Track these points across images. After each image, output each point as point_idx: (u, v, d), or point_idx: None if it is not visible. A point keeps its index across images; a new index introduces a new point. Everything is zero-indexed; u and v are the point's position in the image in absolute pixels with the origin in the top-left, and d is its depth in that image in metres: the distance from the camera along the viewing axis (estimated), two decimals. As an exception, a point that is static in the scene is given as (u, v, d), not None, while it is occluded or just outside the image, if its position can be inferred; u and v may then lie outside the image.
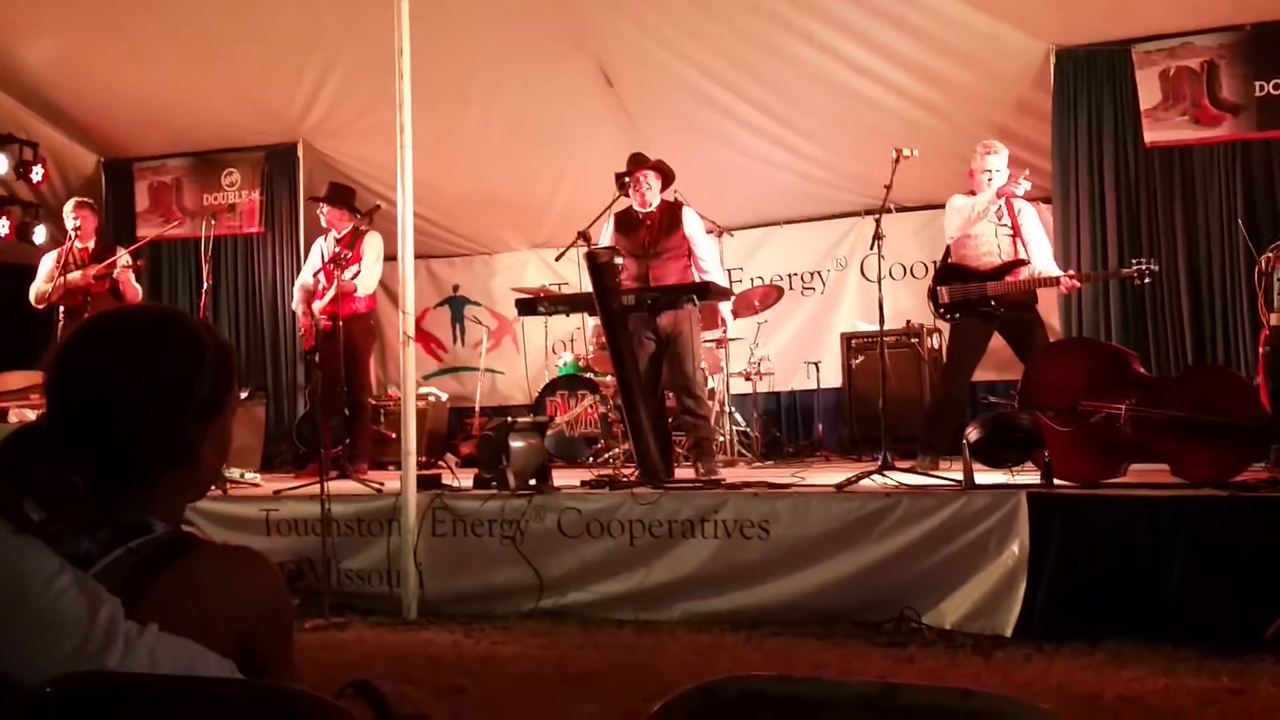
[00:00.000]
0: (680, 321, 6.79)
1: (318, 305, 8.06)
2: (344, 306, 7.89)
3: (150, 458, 1.55)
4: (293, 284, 9.82)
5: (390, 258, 7.69)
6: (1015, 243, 6.94)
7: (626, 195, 7.13)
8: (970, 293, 6.89)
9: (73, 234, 8.45)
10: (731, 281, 10.27)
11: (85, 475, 1.47)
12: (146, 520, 1.51)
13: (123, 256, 8.40)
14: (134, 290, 8.47)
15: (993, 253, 6.96)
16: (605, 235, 7.21)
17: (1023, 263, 6.88)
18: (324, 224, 8.39)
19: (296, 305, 8.55)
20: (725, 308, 7.94)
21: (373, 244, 8.24)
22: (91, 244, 8.52)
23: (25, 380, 7.95)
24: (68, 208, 8.61)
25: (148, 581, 1.44)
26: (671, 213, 7.10)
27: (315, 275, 8.26)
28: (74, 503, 1.44)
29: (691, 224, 7.11)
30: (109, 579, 1.42)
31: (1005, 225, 6.97)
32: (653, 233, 7.04)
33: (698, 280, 6.96)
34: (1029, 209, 7.05)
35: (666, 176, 7.19)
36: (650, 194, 7.08)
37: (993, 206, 6.82)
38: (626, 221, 7.15)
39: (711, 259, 7.22)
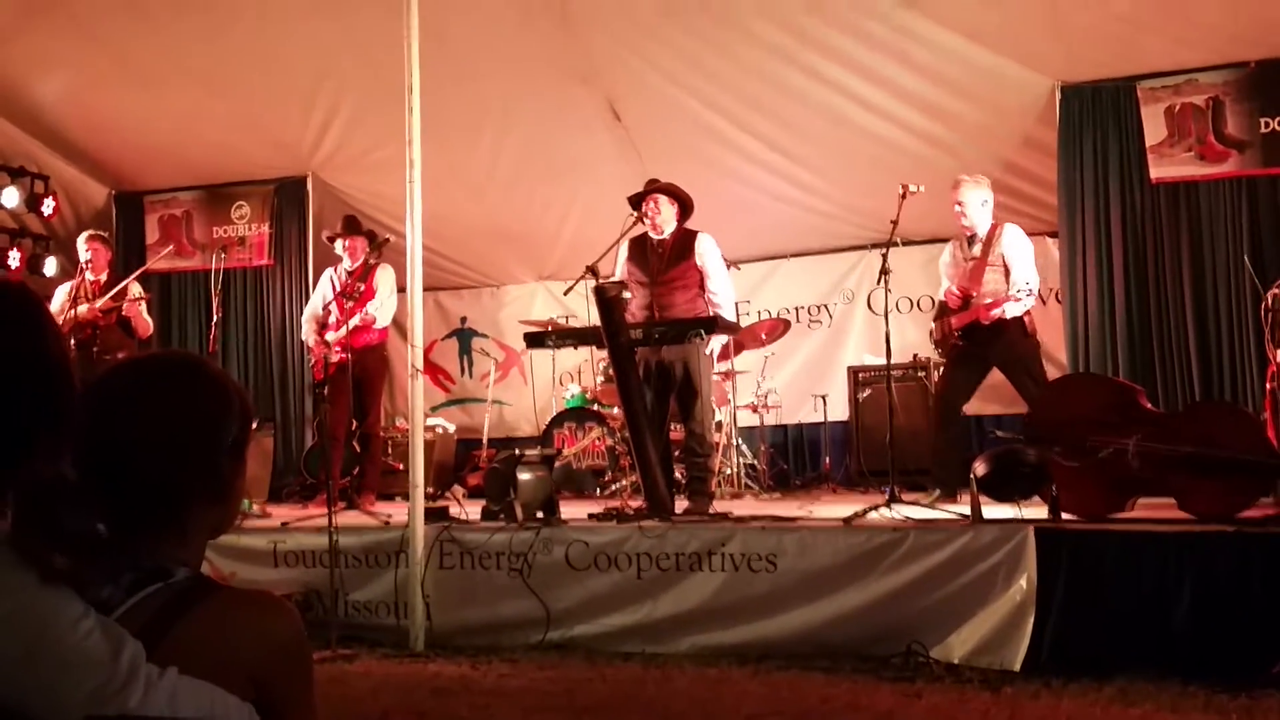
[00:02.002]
0: (688, 356, 6.69)
1: (331, 336, 8.07)
2: (358, 338, 7.91)
3: (189, 497, 1.60)
4: (301, 317, 9.87)
5: (399, 290, 7.75)
6: (975, 276, 6.99)
7: (641, 222, 6.99)
8: (945, 328, 7.11)
9: (85, 267, 8.48)
10: (739, 314, 10.29)
11: (111, 521, 1.49)
12: (167, 564, 1.53)
13: (133, 288, 8.44)
14: (145, 323, 8.50)
15: (960, 288, 7.07)
16: (620, 261, 7.13)
17: (970, 296, 6.94)
18: (343, 255, 8.39)
19: (307, 336, 8.57)
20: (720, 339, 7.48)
21: (385, 277, 8.28)
22: (104, 277, 8.55)
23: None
24: (80, 240, 8.64)
25: (168, 626, 1.46)
26: (685, 241, 6.93)
27: (325, 306, 8.28)
28: (99, 550, 1.46)
29: (706, 253, 6.89)
30: (130, 623, 1.44)
31: (971, 260, 7.07)
32: (662, 260, 6.92)
33: (709, 311, 6.82)
34: (1011, 235, 7.04)
35: (683, 203, 7.00)
36: (661, 219, 6.94)
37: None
38: (639, 248, 7.05)
39: (724, 291, 6.96)
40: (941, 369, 7.42)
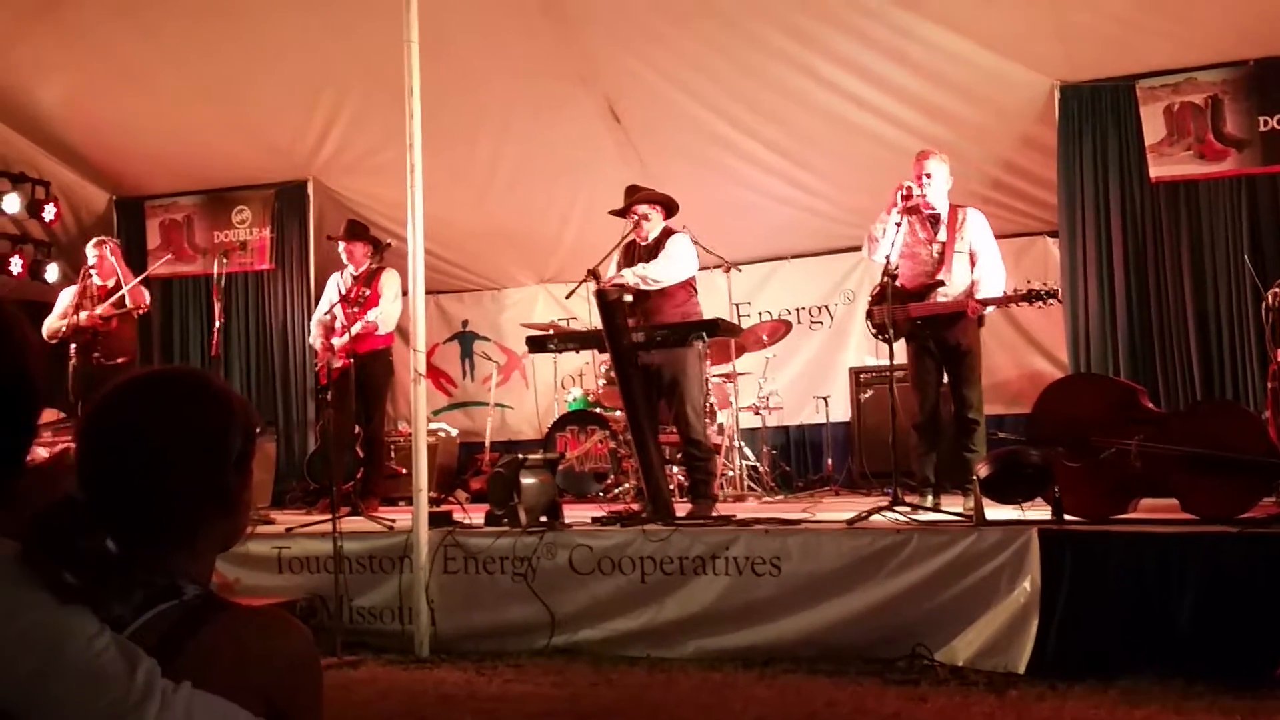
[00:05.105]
0: (673, 359, 6.62)
1: (337, 342, 8.08)
2: (363, 343, 7.93)
3: (197, 512, 1.61)
4: (303, 320, 9.89)
5: (402, 293, 7.75)
6: (944, 261, 6.76)
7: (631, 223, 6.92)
8: (897, 314, 6.58)
9: (90, 270, 8.49)
10: (740, 316, 10.29)
11: (121, 538, 1.50)
12: (177, 581, 1.54)
13: (135, 294, 8.48)
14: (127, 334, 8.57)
15: (922, 272, 6.83)
16: (612, 267, 7.03)
17: (940, 283, 6.73)
18: (344, 260, 8.42)
19: (314, 340, 8.57)
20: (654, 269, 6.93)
21: (390, 281, 8.30)
22: (112, 282, 8.57)
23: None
24: (89, 245, 8.69)
25: (179, 644, 1.46)
26: (659, 243, 6.85)
27: (331, 311, 8.28)
28: (110, 567, 1.47)
29: (668, 250, 6.77)
30: (141, 642, 1.44)
31: (937, 244, 6.82)
32: (641, 263, 6.87)
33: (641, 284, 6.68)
34: (980, 223, 6.87)
35: (665, 206, 6.94)
36: (646, 226, 6.88)
37: (890, 223, 6.64)
38: (628, 253, 7.02)
39: (667, 269, 6.72)
40: (909, 372, 6.98)
